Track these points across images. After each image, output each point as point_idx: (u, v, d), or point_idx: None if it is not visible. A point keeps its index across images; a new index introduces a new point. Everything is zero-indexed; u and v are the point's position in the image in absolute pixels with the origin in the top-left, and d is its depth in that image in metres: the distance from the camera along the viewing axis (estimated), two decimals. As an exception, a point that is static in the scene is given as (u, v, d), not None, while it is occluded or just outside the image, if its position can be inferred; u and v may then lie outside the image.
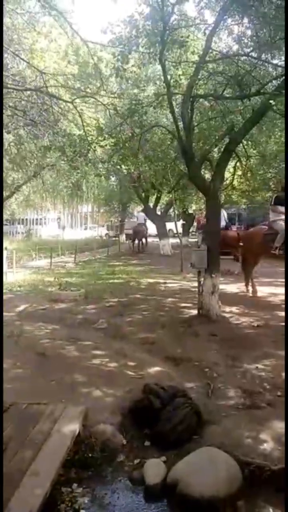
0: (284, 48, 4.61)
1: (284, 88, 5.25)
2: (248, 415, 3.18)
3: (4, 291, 7.92)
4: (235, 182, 10.41)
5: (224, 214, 11.45)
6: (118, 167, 7.27)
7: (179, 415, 3.01)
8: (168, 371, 4.15)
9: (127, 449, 2.97)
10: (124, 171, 8.19)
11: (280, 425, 2.86)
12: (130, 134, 6.14)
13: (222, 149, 7.01)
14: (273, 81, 6.76)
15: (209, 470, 2.50)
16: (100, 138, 6.04)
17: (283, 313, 6.33)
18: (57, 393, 3.44)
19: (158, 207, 18.92)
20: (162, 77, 6.38)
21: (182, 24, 6.50)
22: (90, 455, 2.80)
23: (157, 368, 4.16)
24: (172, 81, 6.32)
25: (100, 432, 2.95)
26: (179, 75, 6.60)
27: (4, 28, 7.25)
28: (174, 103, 7.15)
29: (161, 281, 9.70)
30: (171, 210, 16.70)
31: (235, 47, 7.30)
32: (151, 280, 9.89)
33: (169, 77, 6.41)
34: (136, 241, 17.93)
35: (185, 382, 3.89)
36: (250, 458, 2.62)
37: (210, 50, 6.47)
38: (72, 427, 2.82)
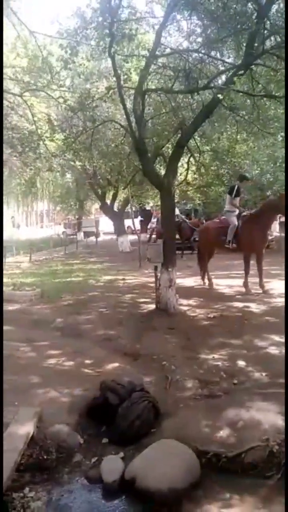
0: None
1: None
2: (205, 405, 3.23)
3: None
4: (189, 178, 10.57)
5: (176, 210, 11.58)
6: (72, 162, 7.12)
7: (136, 410, 2.99)
8: (126, 366, 4.13)
9: (84, 449, 2.91)
10: (79, 166, 8.04)
11: (235, 412, 2.92)
12: (81, 129, 6.02)
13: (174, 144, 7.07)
14: (222, 76, 6.91)
15: (166, 462, 2.50)
16: (51, 132, 5.88)
17: (237, 304, 6.52)
18: (9, 396, 3.30)
19: (116, 204, 18.82)
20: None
21: (132, 18, 6.46)
22: (45, 457, 2.71)
23: (115, 364, 4.12)
24: (122, 75, 6.26)
25: (55, 433, 2.87)
26: (129, 69, 6.55)
27: None
28: (126, 97, 7.12)
29: (120, 277, 9.66)
30: (129, 206, 16.67)
31: (185, 43, 7.39)
32: (109, 277, 9.82)
33: (119, 71, 6.36)
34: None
35: (144, 377, 3.88)
36: (207, 446, 2.64)
37: (160, 45, 6.50)
38: (26, 430, 2.71)
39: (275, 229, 14.07)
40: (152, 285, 6.55)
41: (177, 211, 11.57)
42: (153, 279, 6.36)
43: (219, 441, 2.69)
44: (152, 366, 4.18)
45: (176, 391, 3.58)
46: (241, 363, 4.06)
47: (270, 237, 10.62)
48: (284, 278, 6.53)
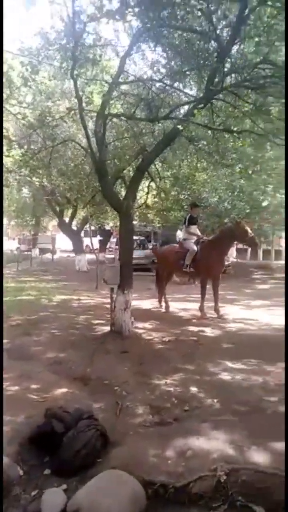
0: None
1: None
2: (154, 433, 3.14)
3: None
4: (149, 201, 10.72)
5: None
6: (29, 178, 7.00)
7: (83, 438, 2.85)
8: (75, 392, 3.96)
9: (24, 481, 2.71)
10: (36, 183, 7.91)
11: (184, 441, 2.86)
12: (40, 146, 5.96)
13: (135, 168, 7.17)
14: (185, 107, 7.17)
15: (111, 494, 2.38)
16: (7, 147, 5.76)
17: (192, 328, 6.56)
18: None
19: (74, 222, 18.65)
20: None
21: (97, 43, 6.58)
22: (-20, 493, 2.49)
23: (63, 390, 3.94)
24: (84, 97, 6.31)
25: (-7, 465, 2.65)
26: (92, 92, 6.63)
27: None
28: (89, 118, 7.18)
29: (75, 297, 9.46)
30: (87, 225, 16.58)
31: (149, 72, 7.63)
32: (64, 297, 9.59)
33: (81, 93, 6.42)
34: None
35: (93, 403, 3.74)
36: (154, 477, 2.55)
37: (124, 72, 6.65)
38: None
39: (232, 255, 14.51)
40: (108, 306, 6.45)
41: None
42: (109, 300, 6.27)
43: (167, 471, 2.60)
44: (103, 391, 4.05)
45: (126, 418, 3.47)
46: (193, 389, 4.02)
47: (226, 262, 10.95)
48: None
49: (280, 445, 2.74)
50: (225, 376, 4.36)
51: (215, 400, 3.74)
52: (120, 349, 5.35)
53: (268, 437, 2.87)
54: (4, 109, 7.29)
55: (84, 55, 5.94)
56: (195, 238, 8.02)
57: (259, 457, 2.64)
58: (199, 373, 4.46)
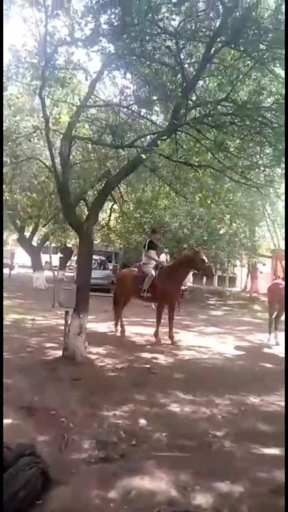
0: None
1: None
2: (99, 471, 3.04)
3: None
4: (111, 223, 10.75)
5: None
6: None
7: (22, 478, 2.69)
8: (19, 423, 3.78)
9: None
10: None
11: (128, 480, 2.79)
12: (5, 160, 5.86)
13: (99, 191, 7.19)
14: (149, 136, 7.34)
15: None
16: None
17: (145, 354, 6.53)
18: None
19: (35, 238, 18.26)
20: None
21: (67, 66, 6.65)
22: None
23: (7, 421, 3.74)
24: (51, 118, 6.31)
25: None
26: (59, 113, 6.64)
27: None
28: (57, 136, 7.15)
29: (29, 317, 9.17)
30: (48, 242, 16.28)
31: (118, 97, 7.78)
32: (18, 316, 9.26)
33: (49, 113, 6.41)
34: None
35: (38, 436, 3.58)
36: (95, 521, 2.46)
37: (93, 96, 6.75)
38: None
39: (189, 279, 14.73)
40: (62, 327, 6.30)
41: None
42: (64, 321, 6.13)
43: (108, 514, 2.52)
44: (49, 423, 3.88)
45: (71, 453, 3.34)
46: (142, 421, 3.97)
47: (183, 287, 11.09)
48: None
49: (223, 485, 2.75)
50: (175, 408, 4.36)
51: (163, 434, 3.71)
52: (72, 376, 5.20)
53: (212, 475, 2.87)
54: None
55: (54, 76, 5.97)
56: (154, 263, 8.09)
57: (202, 498, 2.63)
58: (149, 404, 4.42)
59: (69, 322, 5.99)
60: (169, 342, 7.51)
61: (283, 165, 5.91)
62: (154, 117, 8.26)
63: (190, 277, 13.29)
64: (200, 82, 7.15)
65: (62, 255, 20.69)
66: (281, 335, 8.37)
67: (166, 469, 2.93)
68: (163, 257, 8.17)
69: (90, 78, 6.66)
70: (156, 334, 7.62)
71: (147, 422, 3.95)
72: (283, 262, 18.67)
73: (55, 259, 18.73)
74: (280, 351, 7.65)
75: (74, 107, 6.82)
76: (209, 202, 9.07)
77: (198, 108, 6.77)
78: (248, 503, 2.59)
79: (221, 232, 13.78)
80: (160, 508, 2.51)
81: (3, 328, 6.89)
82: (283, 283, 8.18)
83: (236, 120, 5.66)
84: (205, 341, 8.18)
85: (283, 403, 4.67)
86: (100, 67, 6.34)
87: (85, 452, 3.39)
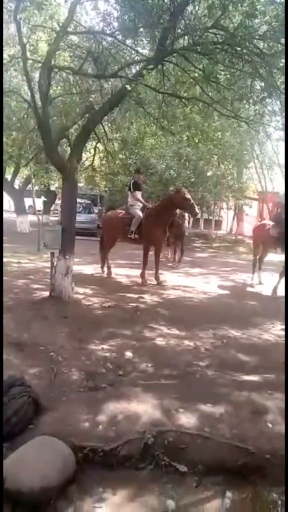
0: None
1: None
2: (88, 398, 3.20)
3: None
4: (96, 164, 10.40)
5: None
6: None
7: (14, 406, 2.82)
8: (9, 358, 3.88)
9: None
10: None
11: (115, 405, 2.94)
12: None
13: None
14: (134, 67, 6.87)
15: (40, 460, 2.41)
16: None
17: (132, 294, 6.65)
18: None
19: (17, 181, 17.69)
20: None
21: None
22: None
23: (-3, 356, 3.85)
24: (29, 45, 5.79)
25: None
26: (37, 40, 6.10)
27: None
28: (36, 69, 6.63)
29: (15, 260, 9.12)
30: (30, 185, 15.81)
31: (101, 24, 7.15)
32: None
33: (26, 40, 5.88)
34: None
35: (28, 368, 3.71)
36: (85, 442, 2.62)
37: (73, 21, 6.18)
38: None
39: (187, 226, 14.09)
40: (49, 270, 6.31)
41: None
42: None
43: (98, 435, 2.68)
44: (39, 357, 4.02)
45: (60, 384, 3.49)
46: (128, 354, 4.14)
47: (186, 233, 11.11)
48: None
49: (206, 407, 2.93)
50: (160, 342, 4.53)
51: (149, 365, 3.88)
52: (59, 314, 5.29)
53: (195, 399, 3.05)
54: None
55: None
56: (140, 204, 7.98)
57: (185, 419, 2.81)
58: (135, 338, 4.58)
59: (55, 263, 5.98)
60: (155, 282, 7.64)
61: (273, 99, 5.67)
62: (140, 49, 7.68)
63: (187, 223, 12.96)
64: (189, 8, 6.59)
65: (46, 199, 20.22)
66: (264, 275, 8.59)
67: (152, 395, 3.09)
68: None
69: (69, 0, 6.05)
70: (142, 275, 7.72)
71: (133, 355, 4.11)
72: (270, 204, 18.70)
73: (39, 203, 18.30)
74: (262, 289, 7.89)
75: (54, 33, 6.25)
76: (196, 141, 8.80)
77: (186, 37, 6.30)
78: (227, 422, 2.78)
79: (208, 173, 13.54)
80: (146, 429, 2.68)
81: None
82: (269, 223, 8.22)
83: (226, 47, 5.29)
84: (190, 281, 8.35)
85: (263, 336, 4.91)
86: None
87: (74, 383, 3.55)
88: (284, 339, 4.69)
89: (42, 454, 2.44)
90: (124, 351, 4.19)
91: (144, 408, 2.91)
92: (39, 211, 14.99)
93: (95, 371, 3.74)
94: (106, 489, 2.45)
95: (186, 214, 9.95)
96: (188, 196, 7.52)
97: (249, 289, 8.13)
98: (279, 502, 2.42)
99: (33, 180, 13.69)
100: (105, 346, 4.33)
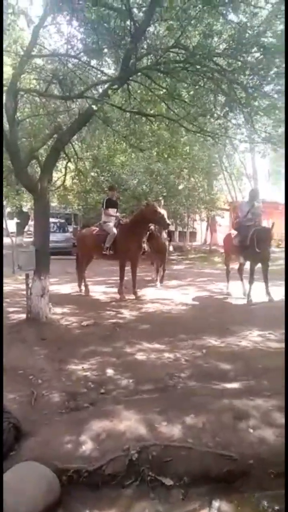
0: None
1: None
2: (70, 419, 3.16)
3: None
4: (67, 183, 10.42)
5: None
6: None
7: (-7, 433, 2.76)
8: (-13, 384, 3.79)
9: None
10: None
11: (98, 424, 2.92)
12: None
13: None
14: (100, 87, 7.02)
15: (24, 486, 2.35)
16: None
17: (110, 311, 6.64)
18: None
19: (-12, 204, 17.42)
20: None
21: (6, 10, 6.10)
22: None
23: (-27, 383, 3.75)
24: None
25: None
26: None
27: None
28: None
29: (-11, 284, 8.94)
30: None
31: (65, 46, 7.28)
32: (-23, 284, 9.00)
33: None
34: None
35: (7, 394, 3.62)
36: (68, 464, 2.58)
37: (37, 45, 6.28)
38: None
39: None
40: (25, 292, 6.22)
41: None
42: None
43: (81, 456, 2.64)
44: (18, 381, 3.93)
45: (41, 407, 3.43)
46: (109, 371, 4.11)
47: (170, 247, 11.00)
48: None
49: (188, 418, 2.94)
50: (141, 356, 4.53)
51: (130, 381, 3.87)
52: (37, 336, 5.22)
53: (177, 411, 3.05)
54: None
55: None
56: (113, 221, 8.03)
57: (168, 432, 2.81)
58: (115, 355, 4.56)
59: (30, 285, 5.91)
60: (133, 297, 7.65)
61: (236, 113, 5.90)
62: (105, 69, 7.85)
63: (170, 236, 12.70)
64: (151, 29, 6.82)
65: (18, 221, 19.98)
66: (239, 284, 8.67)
67: (134, 411, 3.08)
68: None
69: (32, 25, 6.16)
70: (120, 291, 7.72)
71: (114, 372, 4.09)
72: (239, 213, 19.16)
73: (12, 225, 18.08)
74: (236, 297, 8.00)
75: (18, 57, 6.34)
76: (166, 156, 8.98)
77: (149, 56, 6.51)
78: (210, 431, 2.80)
79: (180, 187, 13.78)
80: (130, 445, 2.67)
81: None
82: (235, 233, 8.35)
83: (187, 66, 5.50)
84: (168, 293, 8.41)
85: (241, 344, 4.99)
86: (43, 12, 5.86)
87: (55, 405, 3.49)
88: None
89: (25, 480, 2.38)
90: (105, 369, 4.17)
91: (127, 424, 2.90)
92: (12, 233, 14.81)
93: (76, 391, 3.69)
94: (92, 510, 2.40)
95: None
96: (158, 209, 7.62)
97: (225, 297, 8.24)
98: (265, 506, 2.44)
99: (4, 202, 13.55)
100: (85, 365, 4.29)
